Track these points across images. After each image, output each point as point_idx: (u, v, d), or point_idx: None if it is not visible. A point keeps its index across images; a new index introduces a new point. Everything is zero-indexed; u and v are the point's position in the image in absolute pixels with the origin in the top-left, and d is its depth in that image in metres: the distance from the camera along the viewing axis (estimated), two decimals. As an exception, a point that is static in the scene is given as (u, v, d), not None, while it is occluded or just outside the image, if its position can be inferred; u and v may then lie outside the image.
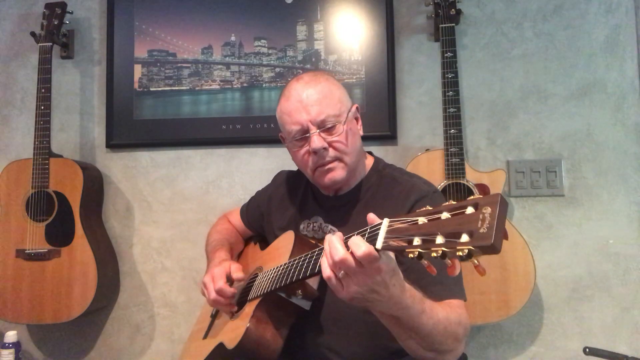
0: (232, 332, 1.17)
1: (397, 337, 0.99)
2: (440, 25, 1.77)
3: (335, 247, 0.83)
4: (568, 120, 1.86)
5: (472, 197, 0.69)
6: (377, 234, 0.81)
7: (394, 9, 1.95)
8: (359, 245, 0.80)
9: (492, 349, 1.85)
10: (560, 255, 1.83)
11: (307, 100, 1.16)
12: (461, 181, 1.70)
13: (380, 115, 1.91)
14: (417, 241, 0.72)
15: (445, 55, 1.75)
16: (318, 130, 1.15)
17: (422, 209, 0.75)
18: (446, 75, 1.74)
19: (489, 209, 0.65)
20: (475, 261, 0.66)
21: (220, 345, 1.18)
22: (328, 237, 0.87)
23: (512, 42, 1.90)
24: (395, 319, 0.93)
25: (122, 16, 2.07)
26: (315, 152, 1.16)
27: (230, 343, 1.13)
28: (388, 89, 1.92)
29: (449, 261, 0.70)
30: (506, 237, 1.65)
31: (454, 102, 1.72)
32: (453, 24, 1.77)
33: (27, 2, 2.14)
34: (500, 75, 1.90)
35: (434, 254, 0.69)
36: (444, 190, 1.70)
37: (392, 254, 0.85)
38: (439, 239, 0.68)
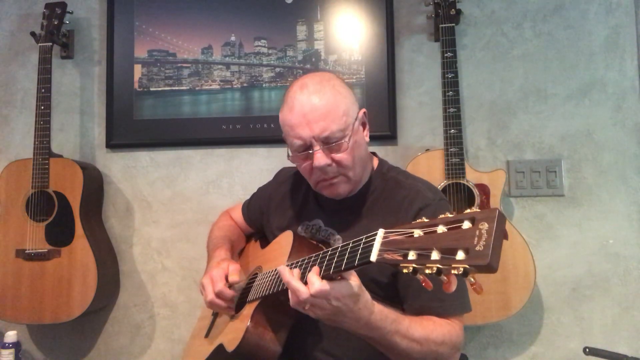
0: (231, 333, 1.17)
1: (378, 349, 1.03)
2: (440, 25, 1.77)
3: (295, 288, 0.91)
4: (568, 120, 1.86)
5: (469, 210, 0.67)
6: (372, 245, 0.79)
7: (394, 9, 1.95)
8: (313, 283, 0.89)
9: (492, 349, 1.85)
10: (560, 255, 1.83)
11: (311, 116, 1.10)
12: (461, 181, 1.70)
13: (380, 115, 1.91)
14: (412, 255, 0.70)
15: (445, 55, 1.75)
16: (321, 147, 1.11)
17: (418, 221, 0.74)
18: (446, 75, 1.74)
19: (485, 225, 0.63)
20: (472, 279, 0.65)
21: (220, 347, 1.18)
22: (281, 273, 0.95)
23: (512, 42, 1.90)
24: (368, 337, 0.99)
25: (122, 16, 2.07)
26: (319, 168, 1.14)
27: (230, 345, 1.13)
28: (388, 89, 1.92)
29: (445, 277, 0.68)
30: (506, 237, 1.65)
31: (454, 102, 1.72)
32: (453, 24, 1.77)
33: (27, 2, 2.14)
34: (500, 75, 1.90)
35: (428, 271, 0.68)
36: (444, 190, 1.70)
37: (354, 281, 0.90)
38: (434, 255, 0.67)
